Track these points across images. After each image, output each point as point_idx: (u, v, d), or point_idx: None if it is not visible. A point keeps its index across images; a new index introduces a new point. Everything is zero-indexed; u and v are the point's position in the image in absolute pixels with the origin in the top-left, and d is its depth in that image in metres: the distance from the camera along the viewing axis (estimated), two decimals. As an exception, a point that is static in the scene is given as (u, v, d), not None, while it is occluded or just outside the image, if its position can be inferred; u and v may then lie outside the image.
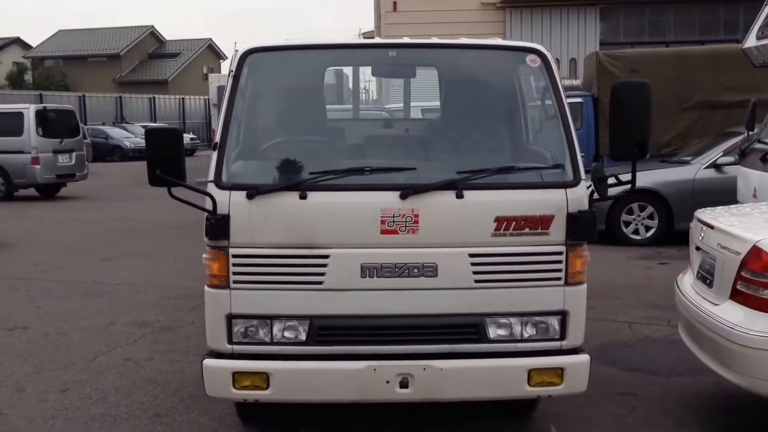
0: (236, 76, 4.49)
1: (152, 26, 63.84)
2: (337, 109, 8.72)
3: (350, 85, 8.63)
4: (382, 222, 4.24)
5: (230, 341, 4.36)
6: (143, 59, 61.98)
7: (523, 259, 4.36)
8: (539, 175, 4.41)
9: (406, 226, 4.26)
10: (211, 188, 4.26)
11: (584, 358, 4.50)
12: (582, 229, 4.35)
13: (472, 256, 4.32)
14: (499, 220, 4.30)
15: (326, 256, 4.27)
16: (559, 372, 4.44)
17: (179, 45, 63.32)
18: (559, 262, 4.39)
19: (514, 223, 4.31)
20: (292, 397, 4.43)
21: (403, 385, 4.35)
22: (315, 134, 4.97)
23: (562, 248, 4.37)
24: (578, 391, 4.52)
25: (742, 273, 4.66)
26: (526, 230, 4.33)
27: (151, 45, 63.39)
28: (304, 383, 4.35)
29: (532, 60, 4.66)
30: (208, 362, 4.38)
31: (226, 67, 54.53)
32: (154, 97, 47.57)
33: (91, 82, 54.12)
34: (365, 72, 6.74)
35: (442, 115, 5.48)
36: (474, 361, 4.39)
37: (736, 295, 4.69)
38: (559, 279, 4.41)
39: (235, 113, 4.43)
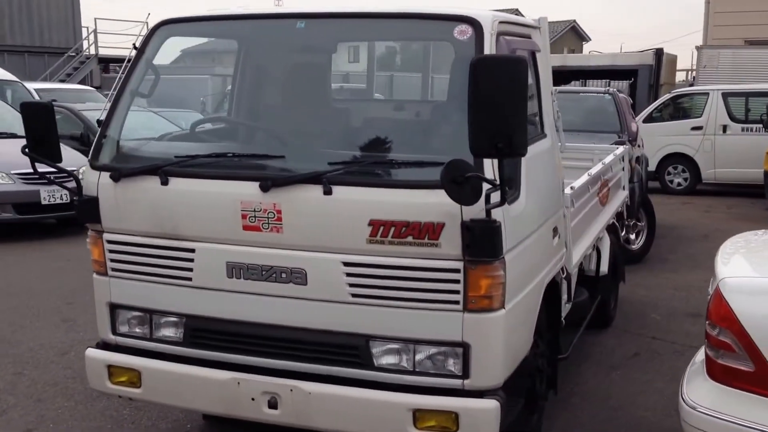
0: (141, 50, 4.18)
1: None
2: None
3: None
4: (244, 216, 3.68)
5: (114, 332, 4.13)
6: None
7: (408, 274, 3.53)
8: (430, 172, 3.49)
9: (269, 223, 3.66)
10: (87, 168, 4.02)
11: (489, 404, 3.54)
12: (477, 243, 3.41)
13: (346, 264, 3.60)
14: (373, 224, 3.52)
15: (192, 250, 3.83)
16: (453, 417, 3.55)
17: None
18: (455, 282, 3.49)
19: (392, 228, 3.50)
20: (161, 400, 4.09)
21: (272, 405, 3.77)
22: (205, 115, 4.49)
23: (458, 265, 3.47)
24: None
25: (707, 328, 3.39)
26: (409, 239, 3.49)
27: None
28: (172, 386, 3.97)
29: (461, 32, 3.74)
30: (89, 352, 4.17)
31: (588, 47, 53.26)
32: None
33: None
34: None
35: (339, 96, 4.65)
36: (348, 390, 3.66)
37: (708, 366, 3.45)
38: (455, 303, 3.51)
39: (128, 90, 4.14)
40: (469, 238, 3.40)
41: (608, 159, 6.99)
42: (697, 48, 21.11)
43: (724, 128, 15.59)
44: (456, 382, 3.57)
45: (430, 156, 3.65)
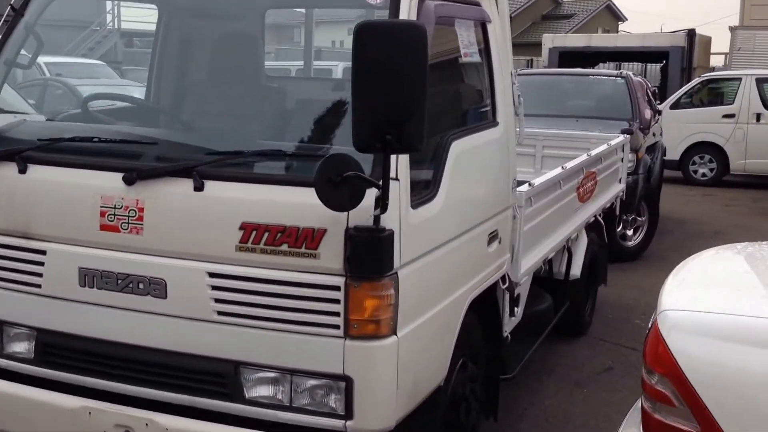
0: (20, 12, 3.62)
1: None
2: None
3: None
4: (102, 214, 3.12)
5: None
6: (535, 21, 61.50)
7: (282, 290, 2.95)
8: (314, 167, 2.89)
9: (128, 223, 3.09)
10: None
11: None
12: (358, 256, 2.82)
13: (212, 275, 3.02)
14: (245, 227, 2.94)
15: (43, 252, 3.27)
16: None
17: (575, 6, 61.71)
18: (335, 302, 2.90)
19: (266, 234, 2.91)
20: (6, 428, 3.50)
21: (130, 438, 3.22)
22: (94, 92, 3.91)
23: (339, 281, 2.87)
24: None
25: (643, 373, 2.74)
26: (284, 247, 2.90)
27: (546, 6, 62.65)
28: (18, 413, 3.39)
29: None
30: None
31: (624, 27, 51.90)
32: (531, 60, 46.85)
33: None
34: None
35: (225, 72, 4.01)
36: (212, 427, 3.09)
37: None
38: (335, 328, 2.92)
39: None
40: (349, 249, 2.80)
41: (596, 150, 6.29)
42: (731, 29, 20.04)
43: (758, 117, 14.60)
44: (337, 423, 2.98)
45: (322, 147, 3.06)
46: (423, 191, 3.19)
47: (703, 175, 14.94)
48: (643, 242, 8.89)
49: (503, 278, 4.14)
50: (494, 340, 4.14)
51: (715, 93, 15.65)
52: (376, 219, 2.78)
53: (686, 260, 3.33)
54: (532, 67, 25.14)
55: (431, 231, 3.22)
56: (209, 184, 2.97)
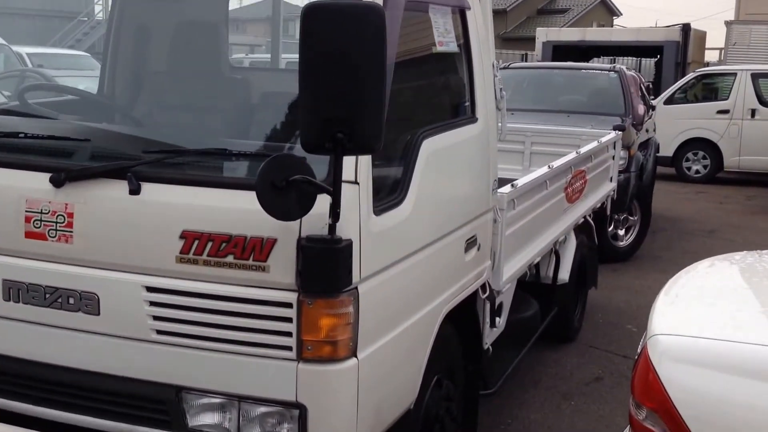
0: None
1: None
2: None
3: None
4: (27, 219, 2.77)
5: None
6: (531, 15, 61.12)
7: (228, 307, 2.60)
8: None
9: (56, 230, 2.74)
10: None
11: None
12: (311, 270, 2.48)
13: (150, 290, 2.67)
14: (186, 236, 2.59)
15: None
16: None
17: (570, 1, 61.30)
18: (286, 320, 2.55)
19: (209, 243, 2.57)
20: None
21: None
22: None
23: (291, 297, 2.53)
24: None
25: (630, 405, 2.40)
26: (229, 258, 2.56)
27: (541, 0, 62.23)
28: None
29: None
30: None
31: (619, 22, 51.69)
32: (526, 54, 46.50)
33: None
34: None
35: (179, 62, 3.64)
36: None
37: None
38: (286, 349, 2.58)
39: None
40: (301, 262, 2.46)
41: (586, 148, 5.95)
42: (727, 23, 19.70)
43: (753, 113, 14.23)
44: None
45: (276, 146, 2.72)
46: (389, 195, 2.85)
47: (697, 171, 14.59)
48: (635, 242, 8.56)
49: (483, 287, 3.81)
50: (474, 354, 3.81)
51: (709, 88, 15.31)
52: (331, 228, 2.44)
53: (679, 274, 2.99)
54: (526, 61, 24.74)
55: (398, 239, 2.88)
56: (146, 187, 2.63)
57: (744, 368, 2.21)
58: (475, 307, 3.76)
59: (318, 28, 2.17)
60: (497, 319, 4.05)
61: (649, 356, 2.34)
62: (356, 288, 2.58)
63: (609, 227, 8.05)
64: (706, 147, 14.46)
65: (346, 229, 2.49)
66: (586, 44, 19.21)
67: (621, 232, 8.48)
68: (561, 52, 18.74)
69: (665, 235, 9.57)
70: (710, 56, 25.32)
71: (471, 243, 3.57)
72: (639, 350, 2.55)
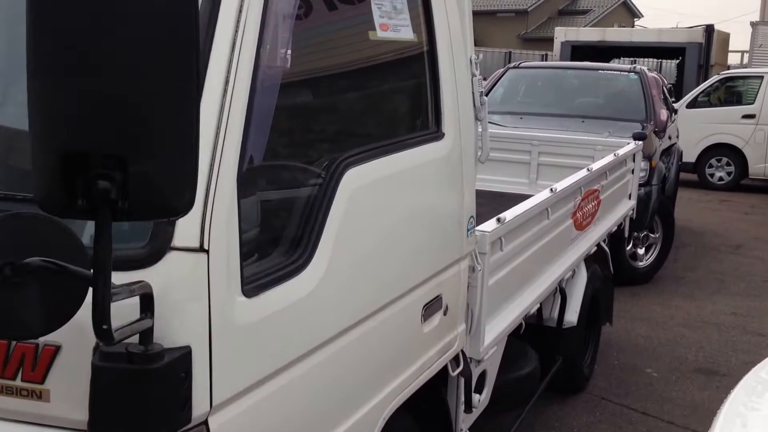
0: None
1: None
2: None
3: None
4: None
5: None
6: (552, 15, 59.95)
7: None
8: None
9: None
10: None
11: None
12: (111, 405, 1.42)
13: None
14: None
15: None
16: None
17: (591, 2, 60.05)
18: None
19: None
20: None
21: None
22: None
23: None
24: None
25: None
26: None
27: (562, 1, 61.05)
28: None
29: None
30: None
31: (640, 24, 50.52)
32: (546, 54, 45.32)
33: (500, 37, 53.59)
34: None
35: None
36: None
37: None
38: None
39: None
40: (93, 392, 1.40)
41: (599, 164, 4.84)
42: (752, 24, 18.41)
43: (780, 117, 13.12)
44: None
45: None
46: (280, 260, 1.78)
47: (720, 179, 13.46)
48: (657, 262, 7.41)
49: (456, 358, 2.73)
50: None
51: (734, 92, 14.22)
52: (145, 334, 1.37)
53: (752, 372, 1.91)
54: (546, 61, 23.61)
55: (296, 327, 1.82)
56: None
57: None
58: (440, 392, 2.68)
59: (51, 7, 1.10)
60: (477, 397, 2.96)
61: None
62: (205, 424, 1.52)
63: (627, 246, 6.93)
64: (730, 153, 13.40)
65: (180, 330, 1.43)
66: (606, 45, 18.10)
67: (641, 251, 7.34)
68: (580, 52, 17.63)
69: (688, 252, 8.43)
70: (732, 59, 24.02)
71: (432, 307, 2.49)
72: None
